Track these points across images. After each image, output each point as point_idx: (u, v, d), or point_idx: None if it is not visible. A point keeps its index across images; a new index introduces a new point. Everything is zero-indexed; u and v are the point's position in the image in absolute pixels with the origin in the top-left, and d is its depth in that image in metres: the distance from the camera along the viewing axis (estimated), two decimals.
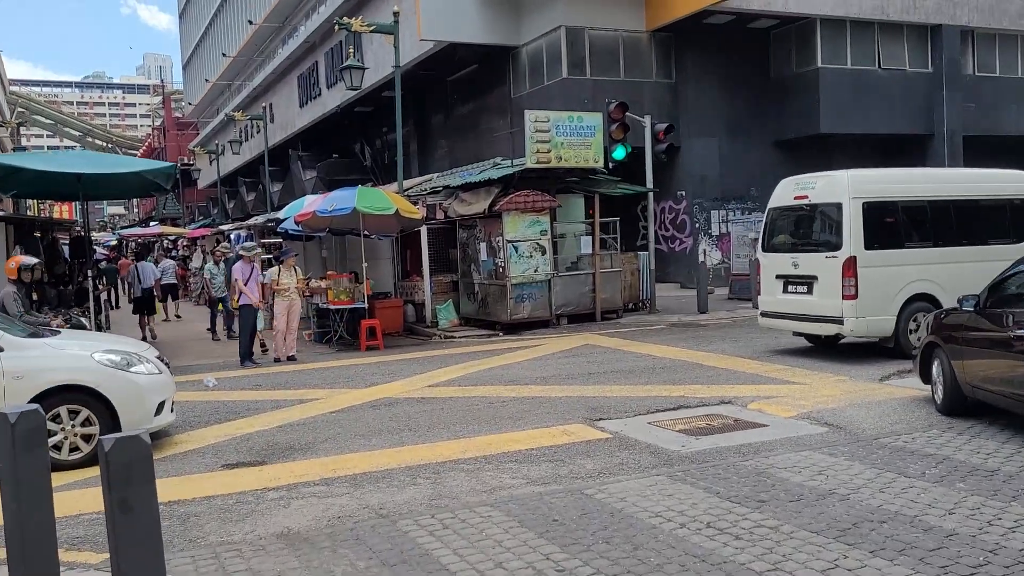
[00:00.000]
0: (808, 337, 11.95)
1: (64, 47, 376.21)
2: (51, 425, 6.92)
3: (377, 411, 9.03)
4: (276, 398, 10.14)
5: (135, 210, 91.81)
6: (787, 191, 11.33)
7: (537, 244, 15.74)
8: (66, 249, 17.13)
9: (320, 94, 34.57)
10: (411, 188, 19.78)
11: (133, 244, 45.80)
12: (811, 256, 10.80)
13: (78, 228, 15.28)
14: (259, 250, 14.12)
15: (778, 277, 11.33)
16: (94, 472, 6.91)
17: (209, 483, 6.52)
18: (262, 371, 12.62)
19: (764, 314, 11.68)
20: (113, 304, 27.94)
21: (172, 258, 24.55)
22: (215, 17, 57.48)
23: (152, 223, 52.27)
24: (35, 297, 13.06)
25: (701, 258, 22.83)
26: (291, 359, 13.55)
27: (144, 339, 18.02)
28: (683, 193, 23.82)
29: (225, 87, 53.65)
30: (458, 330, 16.33)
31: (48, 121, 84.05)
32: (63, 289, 14.64)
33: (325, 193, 16.06)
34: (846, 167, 11.44)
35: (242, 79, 49.67)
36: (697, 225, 23.94)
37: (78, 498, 6.16)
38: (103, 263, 31.42)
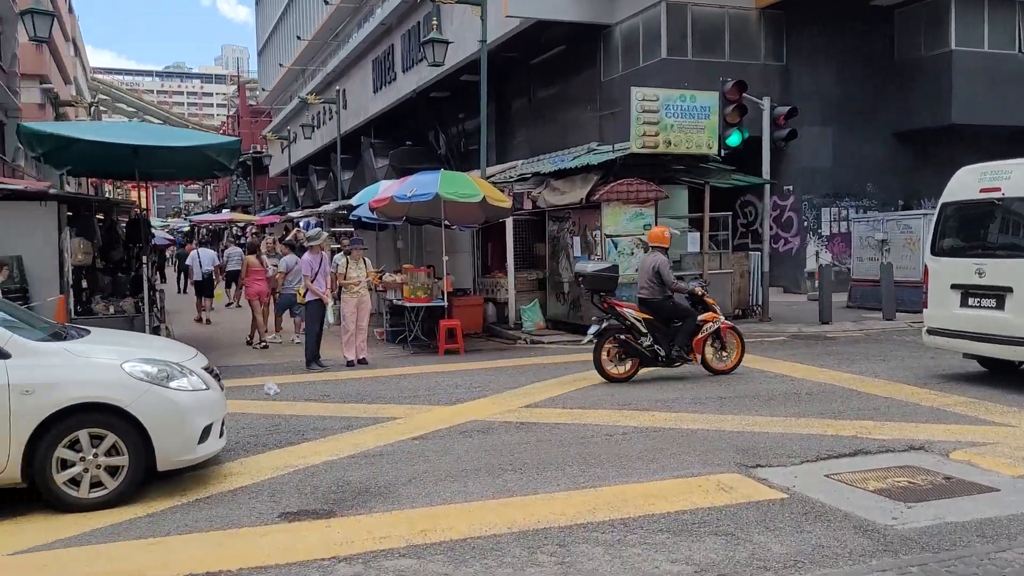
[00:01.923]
0: (981, 360, 9.89)
1: (147, 39, 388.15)
2: (68, 454, 5.47)
3: (469, 440, 7.37)
4: (346, 414, 8.58)
5: (209, 197, 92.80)
6: (970, 182, 9.26)
7: (639, 240, 13.92)
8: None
9: (395, 78, 33.29)
10: (493, 175, 18.16)
11: (203, 231, 45.52)
12: (1004, 263, 8.74)
13: (137, 209, 14.05)
14: (325, 236, 12.67)
15: (954, 287, 9.29)
16: (121, 516, 5.43)
17: (263, 543, 4.94)
18: (330, 376, 11.13)
19: (933, 331, 9.63)
20: (182, 288, 27.27)
21: (240, 245, 23.43)
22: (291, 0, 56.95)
23: (224, 210, 52.03)
24: (84, 285, 11.86)
25: (814, 260, 20.67)
26: (362, 362, 12.07)
27: (199, 320, 17.15)
28: (790, 188, 21.63)
29: (299, 73, 53.05)
30: (545, 334, 14.65)
31: (130, 109, 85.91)
32: (119, 276, 13.40)
33: (403, 177, 14.53)
34: (977, 163, 9.37)
35: (316, 64, 48.94)
36: (805, 224, 21.73)
37: (93, 559, 4.66)
38: (169, 249, 30.83)
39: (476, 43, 22.78)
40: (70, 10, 65.48)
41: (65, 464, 5.46)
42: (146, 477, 5.76)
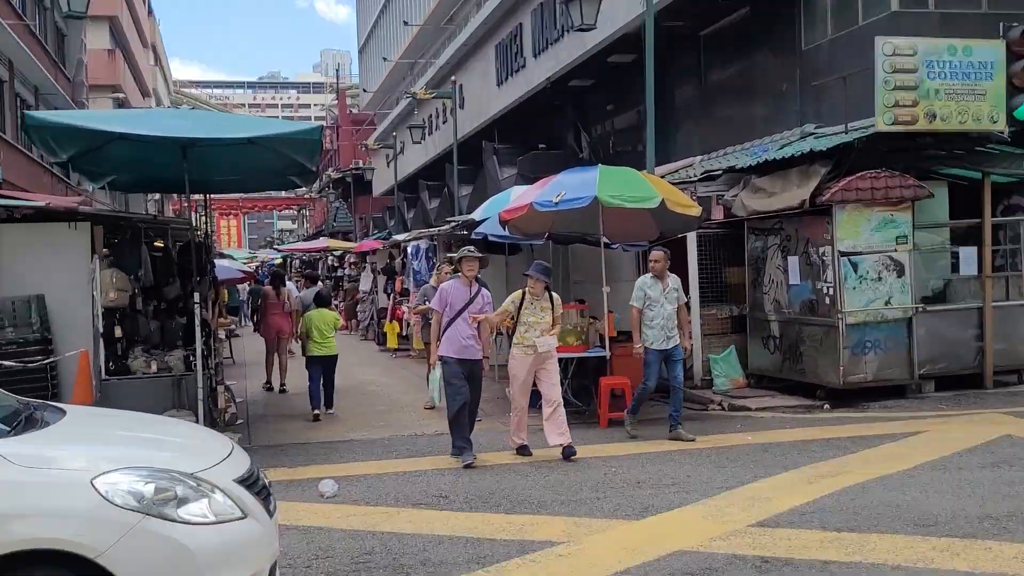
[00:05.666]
0: None
1: (240, 49, 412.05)
2: None
3: None
4: (475, 533, 6.61)
5: (304, 224, 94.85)
6: None
7: (890, 259, 11.51)
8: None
9: (524, 65, 31.87)
10: (665, 176, 16.09)
11: (296, 262, 45.55)
12: None
13: (198, 233, 12.82)
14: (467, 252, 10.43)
15: None
16: None
17: None
18: (453, 463, 9.20)
19: None
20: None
21: (314, 278, 22.06)
22: None
23: (320, 238, 52.20)
24: (119, 334, 10.52)
25: None
26: (523, 451, 9.48)
27: (268, 383, 15.18)
28: None
29: (407, 69, 52.86)
30: (749, 395, 12.41)
31: None
32: (174, 321, 12.07)
33: (544, 179, 12.69)
34: None
35: (427, 56, 48.51)
36: None
37: None
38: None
39: (627, 14, 21.09)
40: (149, 12, 68.48)
41: None
42: None
